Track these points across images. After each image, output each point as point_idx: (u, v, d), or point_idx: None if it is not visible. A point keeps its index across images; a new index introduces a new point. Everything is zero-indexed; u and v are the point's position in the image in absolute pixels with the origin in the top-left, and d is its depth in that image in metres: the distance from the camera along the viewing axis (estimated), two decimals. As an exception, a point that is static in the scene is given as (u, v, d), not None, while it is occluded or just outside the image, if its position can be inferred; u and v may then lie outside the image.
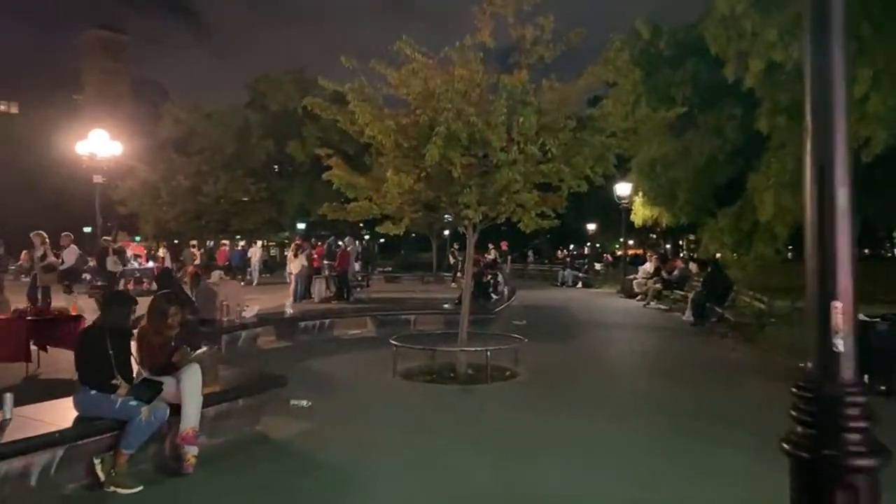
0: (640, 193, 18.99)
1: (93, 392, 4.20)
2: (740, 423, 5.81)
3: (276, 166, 48.14)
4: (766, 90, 13.55)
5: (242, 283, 27.17)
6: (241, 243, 38.68)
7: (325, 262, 19.07)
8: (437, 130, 6.71)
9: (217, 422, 5.05)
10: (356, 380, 7.78)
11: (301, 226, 48.33)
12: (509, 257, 25.53)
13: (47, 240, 9.88)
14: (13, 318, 7.46)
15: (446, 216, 8.12)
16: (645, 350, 10.33)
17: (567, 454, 5.03)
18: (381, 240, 75.19)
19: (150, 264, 21.09)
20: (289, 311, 10.69)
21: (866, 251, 53.89)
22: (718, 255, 15.88)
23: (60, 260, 9.77)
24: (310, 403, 6.29)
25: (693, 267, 18.03)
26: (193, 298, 9.38)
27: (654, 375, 8.45)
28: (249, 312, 10.10)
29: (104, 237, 28.59)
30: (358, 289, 18.08)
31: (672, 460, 4.91)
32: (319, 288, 17.62)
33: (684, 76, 16.37)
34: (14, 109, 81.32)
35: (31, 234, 10.20)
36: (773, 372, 7.96)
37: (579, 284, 25.27)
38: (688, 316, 13.76)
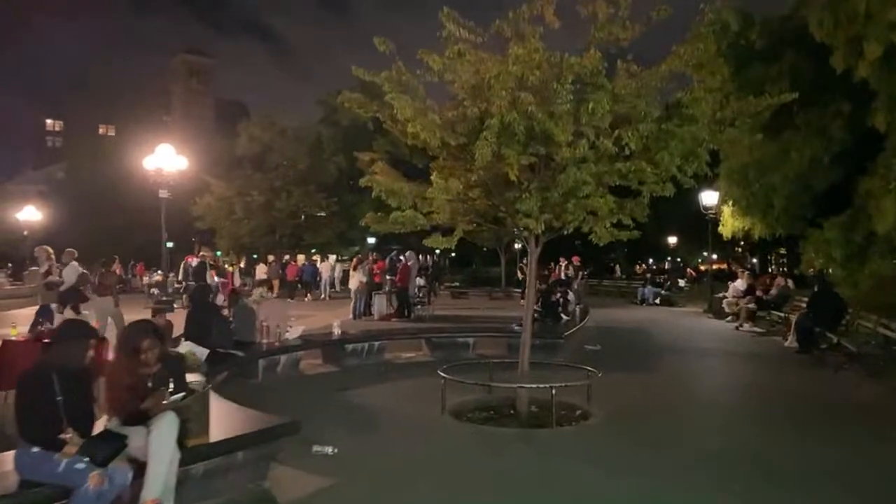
0: (730, 202, 17.14)
1: (34, 450, 3.30)
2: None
3: (350, 181, 48.42)
4: (884, 81, 11.70)
5: (309, 298, 27.15)
6: (314, 258, 38.73)
7: (388, 277, 18.25)
8: (489, 124, 5.60)
9: (208, 480, 4.08)
10: (398, 417, 6.70)
11: (371, 240, 48.22)
12: (581, 273, 23.94)
13: (52, 255, 9.38)
14: (29, 341, 6.86)
15: (514, 228, 6.96)
16: (745, 384, 8.75)
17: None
18: (453, 254, 74.81)
19: (217, 279, 20.82)
20: (336, 331, 9.78)
21: None
22: (824, 270, 13.92)
23: (60, 278, 9.12)
24: (335, 450, 5.26)
25: (789, 283, 16.09)
26: (231, 319, 8.62)
27: (760, 421, 6.93)
28: (293, 333, 9.26)
29: (202, 252, 29.11)
30: (419, 306, 17.09)
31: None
32: (380, 305, 16.75)
33: (780, 70, 14.58)
34: (112, 132, 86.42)
35: (36, 249, 9.69)
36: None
37: (659, 301, 23.40)
38: (791, 342, 11.96)
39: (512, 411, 6.89)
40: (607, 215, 6.82)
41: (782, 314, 14.08)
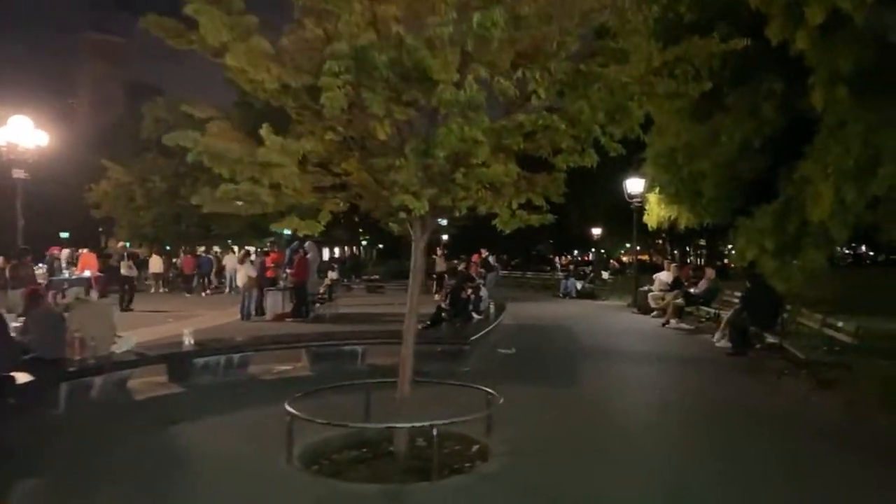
0: (657, 190, 15.99)
1: None
2: None
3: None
4: (823, 53, 10.66)
5: (208, 293, 24.64)
6: (216, 249, 35.86)
7: (287, 271, 16.18)
8: (333, 49, 3.82)
9: None
10: (225, 469, 4.83)
11: (287, 231, 45.45)
12: (498, 266, 22.73)
13: None
14: None
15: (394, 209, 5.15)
16: (681, 401, 7.32)
17: None
18: (381, 245, 72.29)
19: (87, 273, 18.20)
20: (187, 341, 7.76)
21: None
22: (755, 263, 12.88)
23: None
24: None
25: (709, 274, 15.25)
26: (26, 329, 6.50)
27: (706, 453, 5.48)
28: (122, 346, 7.21)
29: (121, 243, 26.26)
30: (318, 304, 15.15)
31: None
32: (273, 303, 14.72)
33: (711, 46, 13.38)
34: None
35: None
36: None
37: (582, 294, 22.31)
38: (721, 341, 10.83)
39: (391, 448, 5.19)
40: (513, 193, 5.21)
41: (712, 310, 13.02)
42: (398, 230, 5.37)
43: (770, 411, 6.71)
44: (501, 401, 5.40)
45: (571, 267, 24.32)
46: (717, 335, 10.93)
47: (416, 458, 5.02)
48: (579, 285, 22.50)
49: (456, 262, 26.76)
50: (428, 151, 4.37)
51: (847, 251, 47.16)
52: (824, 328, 8.05)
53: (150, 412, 6.36)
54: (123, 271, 18.07)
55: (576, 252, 61.47)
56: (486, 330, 10.16)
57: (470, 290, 10.99)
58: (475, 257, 23.42)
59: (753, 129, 13.36)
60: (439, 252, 25.88)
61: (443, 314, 10.77)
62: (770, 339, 9.44)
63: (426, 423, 4.62)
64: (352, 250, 60.59)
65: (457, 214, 5.10)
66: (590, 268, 24.25)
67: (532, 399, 7.13)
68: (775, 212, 12.53)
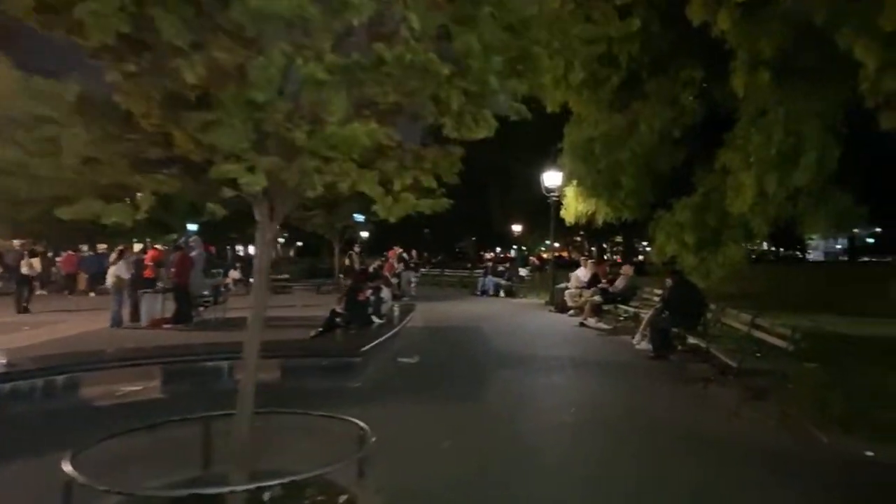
0: (574, 183, 15.22)
1: None
2: None
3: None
4: (745, 35, 10.06)
5: (94, 295, 22.18)
6: (101, 247, 32.99)
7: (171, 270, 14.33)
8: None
9: None
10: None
11: (192, 227, 42.57)
12: (415, 263, 21.69)
13: None
14: None
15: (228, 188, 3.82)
16: (598, 417, 6.33)
17: None
18: (300, 243, 69.40)
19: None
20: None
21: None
22: (676, 259, 12.26)
23: None
24: None
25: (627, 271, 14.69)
26: None
27: (633, 488, 4.45)
28: None
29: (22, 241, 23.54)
30: (202, 308, 13.44)
31: None
32: (149, 307, 12.89)
33: (630, 29, 12.65)
34: None
35: None
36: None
37: (501, 293, 21.48)
38: (641, 343, 10.04)
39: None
40: (393, 170, 3.99)
41: (631, 309, 12.30)
42: (219, 213, 4.05)
43: (697, 430, 5.81)
44: (374, 439, 4.15)
45: (489, 264, 23.40)
46: (637, 337, 10.15)
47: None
48: (493, 284, 21.68)
49: (375, 260, 25.47)
50: (256, 103, 3.07)
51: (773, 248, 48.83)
52: (753, 330, 7.28)
53: None
54: (24, 270, 16.71)
55: (499, 249, 61.28)
56: (385, 337, 8.93)
57: (370, 291, 9.71)
58: (391, 254, 22.20)
59: (672, 119, 12.75)
60: (356, 250, 24.50)
61: (337, 319, 9.45)
62: (693, 341, 8.68)
63: (252, 486, 3.31)
64: (245, 248, 57.85)
65: (310, 194, 3.79)
66: (506, 265, 23.40)
67: (428, 422, 5.96)
68: (695, 205, 11.97)
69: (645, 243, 53.97)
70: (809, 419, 5.67)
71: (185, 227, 42.16)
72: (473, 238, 62.04)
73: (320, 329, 9.36)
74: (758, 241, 11.99)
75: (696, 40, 12.15)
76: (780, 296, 16.37)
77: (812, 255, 66.65)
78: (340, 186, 3.74)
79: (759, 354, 6.77)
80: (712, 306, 9.04)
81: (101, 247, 34.67)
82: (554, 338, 11.66)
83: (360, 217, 32.64)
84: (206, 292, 13.80)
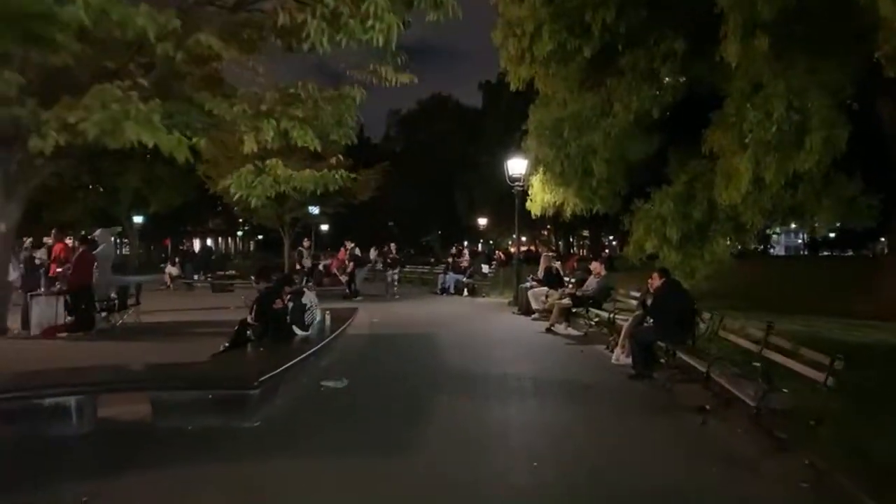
0: (541, 169, 13.62)
1: None
2: None
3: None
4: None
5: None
6: (27, 240, 30.35)
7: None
8: None
9: None
10: None
11: (138, 219, 39.95)
12: (392, 259, 20.10)
13: None
14: None
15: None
16: (566, 476, 4.68)
17: None
18: (260, 236, 66.53)
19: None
20: None
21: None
22: (660, 257, 10.73)
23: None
24: None
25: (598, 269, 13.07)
26: None
27: None
28: None
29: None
30: (105, 312, 11.47)
31: None
32: (41, 313, 10.88)
33: (606, -3, 11.02)
34: None
35: None
36: None
37: (465, 292, 19.82)
38: (620, 357, 8.47)
39: None
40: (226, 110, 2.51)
41: (604, 313, 10.74)
42: None
43: (703, 499, 4.21)
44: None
45: (450, 260, 21.72)
46: (617, 351, 8.56)
47: None
48: (454, 281, 20.07)
49: (328, 257, 23.56)
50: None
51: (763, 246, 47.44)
52: (766, 350, 5.70)
53: None
54: None
55: (466, 243, 59.80)
56: (306, 354, 7.18)
57: (288, 297, 7.93)
58: (341, 253, 20.40)
59: (651, 97, 11.22)
60: (306, 244, 22.57)
61: (248, 332, 7.66)
62: (683, 357, 7.13)
63: None
64: (203, 242, 55.25)
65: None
66: (469, 260, 21.75)
67: (336, 488, 4.26)
68: (678, 195, 10.45)
69: (612, 237, 52.78)
70: (854, 483, 4.12)
71: (131, 219, 39.63)
72: (440, 231, 60.24)
73: (226, 345, 7.56)
74: (749, 236, 10.53)
75: (678, 6, 10.66)
76: (752, 295, 14.97)
77: (773, 250, 66.26)
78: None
79: (785, 391, 5.16)
80: (706, 314, 7.50)
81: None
82: (517, 349, 10.03)
83: (314, 209, 30.58)
84: (112, 294, 11.82)
